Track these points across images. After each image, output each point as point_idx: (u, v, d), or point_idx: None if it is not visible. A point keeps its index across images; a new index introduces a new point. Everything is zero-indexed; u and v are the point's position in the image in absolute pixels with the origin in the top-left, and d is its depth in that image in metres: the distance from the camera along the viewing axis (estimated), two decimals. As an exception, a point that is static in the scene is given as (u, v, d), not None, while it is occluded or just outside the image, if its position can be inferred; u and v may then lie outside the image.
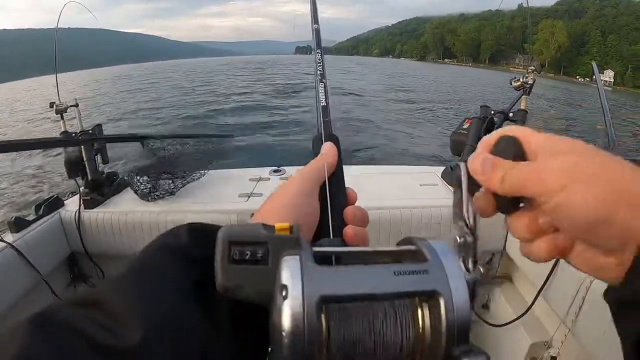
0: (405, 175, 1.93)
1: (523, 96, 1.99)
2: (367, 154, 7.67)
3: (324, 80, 0.45)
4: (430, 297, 0.24)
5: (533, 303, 1.41)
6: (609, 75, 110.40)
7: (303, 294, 0.22)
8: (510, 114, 1.94)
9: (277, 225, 0.27)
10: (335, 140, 0.44)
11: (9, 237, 1.43)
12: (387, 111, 13.75)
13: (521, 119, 1.89)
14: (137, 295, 0.24)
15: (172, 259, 0.28)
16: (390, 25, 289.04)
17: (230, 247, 0.26)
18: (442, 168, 1.95)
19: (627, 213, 0.27)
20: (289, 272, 0.23)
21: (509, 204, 0.33)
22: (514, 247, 1.55)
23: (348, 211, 0.41)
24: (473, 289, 0.27)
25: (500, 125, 1.93)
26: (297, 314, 0.21)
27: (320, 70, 0.45)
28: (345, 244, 0.38)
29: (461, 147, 1.87)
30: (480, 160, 0.33)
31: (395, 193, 1.70)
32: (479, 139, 1.81)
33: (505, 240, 1.59)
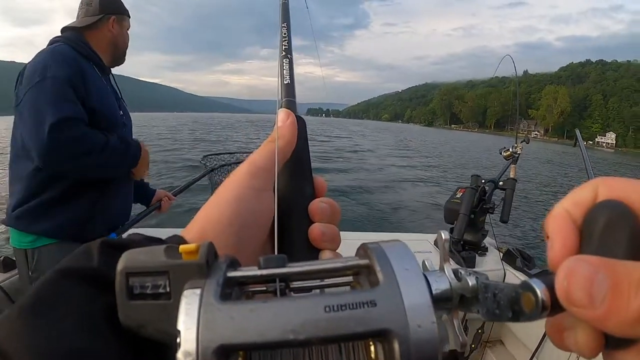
0: None
1: (512, 165, 2.08)
2: (363, 220, 7.63)
3: (289, 56, 0.41)
4: (380, 336, 0.19)
5: None
6: (610, 137, 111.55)
7: (197, 343, 0.18)
8: (500, 182, 2.01)
9: (181, 247, 0.22)
10: (300, 121, 0.38)
11: None
12: (385, 176, 13.87)
13: (510, 187, 1.96)
14: (28, 335, 0.21)
15: (77, 286, 0.24)
16: (400, 90, 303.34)
17: (129, 279, 0.22)
18: (435, 235, 1.98)
19: None
20: (184, 312, 0.19)
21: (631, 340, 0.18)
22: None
23: (313, 206, 0.34)
24: (461, 300, 0.22)
25: (491, 194, 1.99)
26: None
27: (285, 45, 0.42)
28: (313, 249, 0.33)
29: (455, 215, 1.92)
30: (582, 280, 0.17)
31: None
32: (472, 207, 1.88)
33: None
